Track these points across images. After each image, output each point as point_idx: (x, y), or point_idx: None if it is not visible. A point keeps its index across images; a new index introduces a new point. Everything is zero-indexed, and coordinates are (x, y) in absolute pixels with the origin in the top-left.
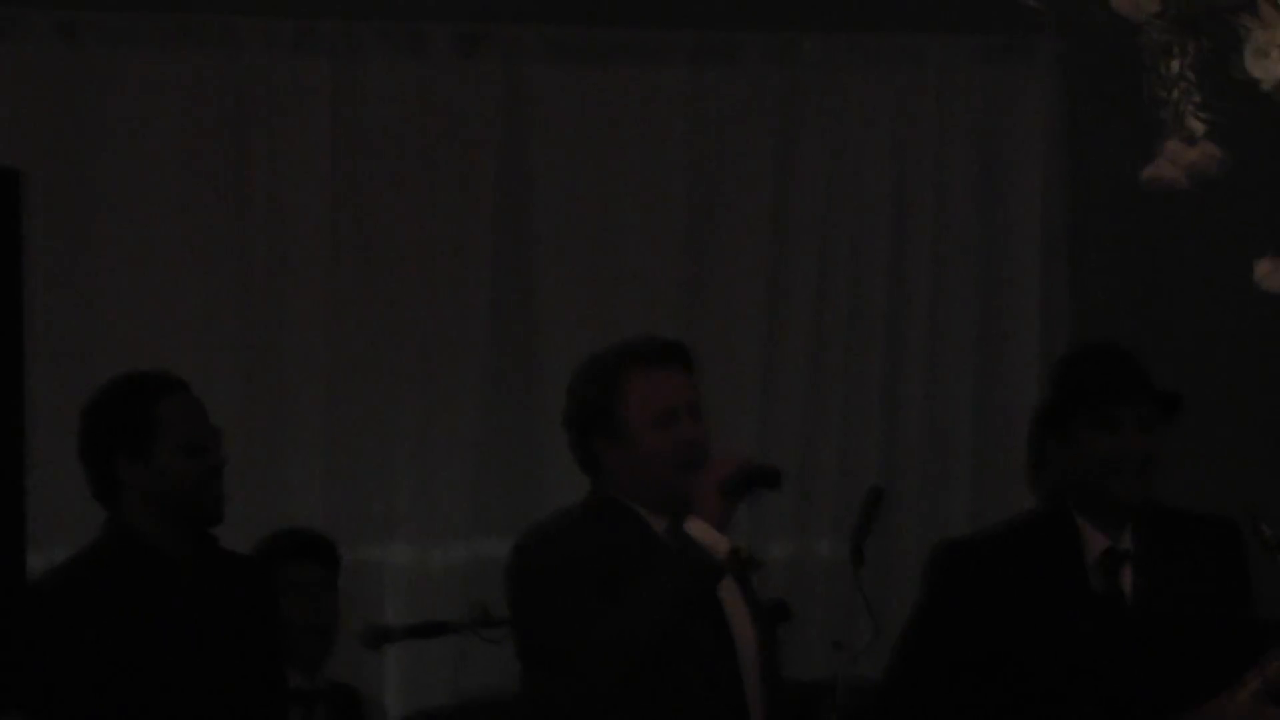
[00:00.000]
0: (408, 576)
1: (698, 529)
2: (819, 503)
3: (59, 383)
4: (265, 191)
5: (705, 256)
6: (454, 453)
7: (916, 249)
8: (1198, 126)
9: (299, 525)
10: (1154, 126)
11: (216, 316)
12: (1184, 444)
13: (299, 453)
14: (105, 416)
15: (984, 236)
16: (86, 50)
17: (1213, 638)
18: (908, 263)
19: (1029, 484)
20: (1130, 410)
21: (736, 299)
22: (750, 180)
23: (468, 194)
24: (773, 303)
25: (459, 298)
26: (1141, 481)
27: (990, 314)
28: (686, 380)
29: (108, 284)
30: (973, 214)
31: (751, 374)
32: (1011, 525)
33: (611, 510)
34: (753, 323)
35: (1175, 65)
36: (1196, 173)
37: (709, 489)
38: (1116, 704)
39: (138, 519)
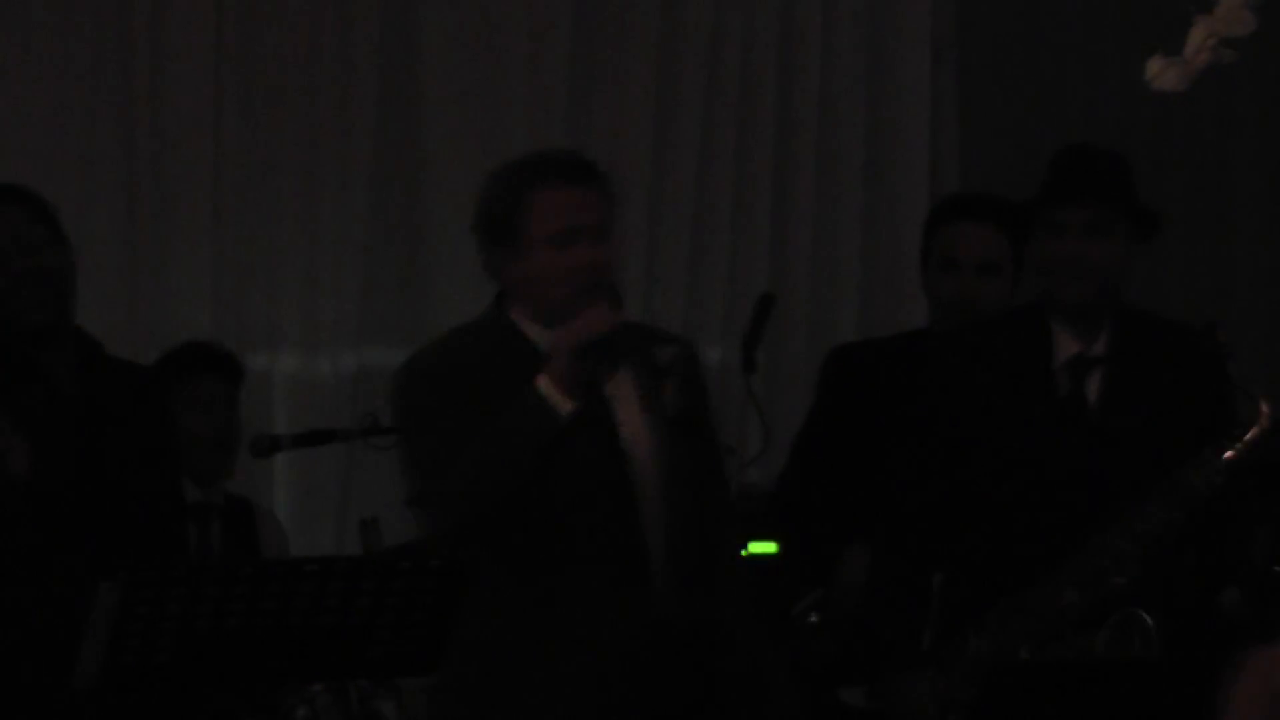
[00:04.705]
0: (295, 385)
1: (544, 385)
2: (709, 309)
3: None
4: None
5: (593, 56)
6: (340, 261)
7: (806, 52)
8: None
9: (200, 338)
10: None
11: (98, 123)
12: None
13: (185, 263)
14: None
15: (872, 39)
16: None
17: (1166, 445)
18: (796, 68)
19: (923, 284)
20: (1076, 214)
21: (624, 101)
22: None
23: None
24: (661, 107)
25: (343, 102)
26: (1081, 286)
27: (879, 118)
28: (596, 200)
29: None
30: (861, 17)
31: (640, 179)
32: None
33: (499, 330)
34: (641, 127)
35: None
36: None
37: (563, 347)
38: (1060, 506)
39: None
